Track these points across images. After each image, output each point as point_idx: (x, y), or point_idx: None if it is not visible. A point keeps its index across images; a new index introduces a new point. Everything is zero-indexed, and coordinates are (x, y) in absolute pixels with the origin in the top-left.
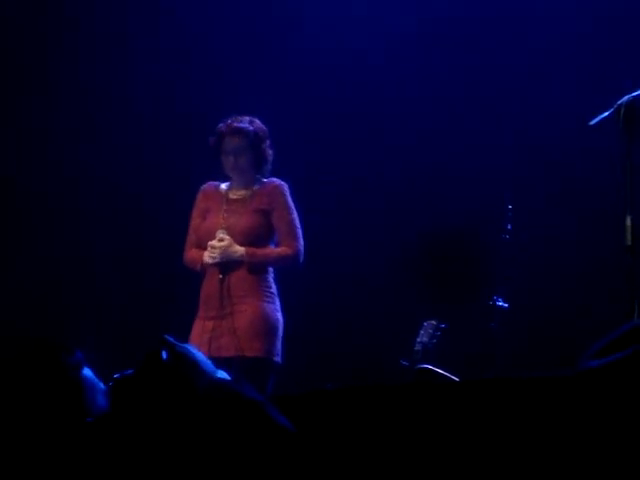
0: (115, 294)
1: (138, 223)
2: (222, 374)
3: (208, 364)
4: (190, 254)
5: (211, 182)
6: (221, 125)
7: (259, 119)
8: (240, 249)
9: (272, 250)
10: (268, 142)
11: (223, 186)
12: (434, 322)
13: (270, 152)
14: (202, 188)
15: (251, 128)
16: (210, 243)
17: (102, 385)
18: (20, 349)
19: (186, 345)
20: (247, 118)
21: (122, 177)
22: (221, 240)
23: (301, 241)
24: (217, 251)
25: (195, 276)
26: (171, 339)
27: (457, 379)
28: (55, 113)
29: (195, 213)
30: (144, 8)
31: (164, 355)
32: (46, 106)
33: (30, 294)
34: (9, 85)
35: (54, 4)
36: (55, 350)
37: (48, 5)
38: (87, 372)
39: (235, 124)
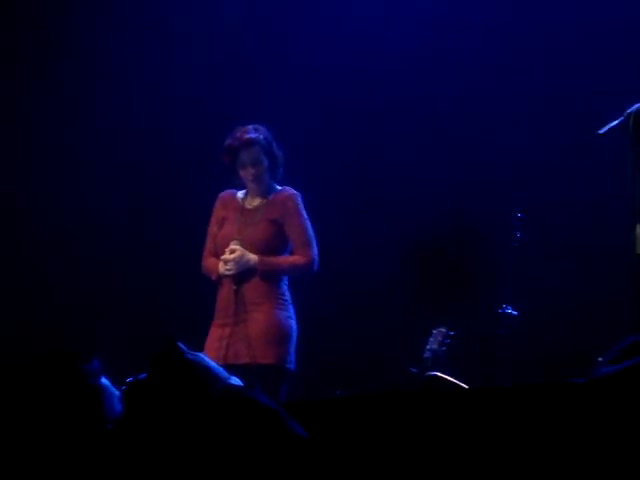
0: (127, 301)
1: (151, 231)
2: (235, 380)
3: (221, 370)
4: (207, 262)
5: (228, 190)
6: (230, 141)
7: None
8: (253, 257)
9: (286, 258)
10: (275, 144)
11: (239, 194)
12: (443, 330)
13: (281, 154)
14: (220, 196)
15: (261, 136)
16: (223, 257)
17: (117, 391)
18: (40, 359)
19: (198, 353)
20: (250, 127)
21: (134, 180)
22: (233, 251)
23: (315, 249)
24: (231, 263)
25: (209, 283)
26: (182, 346)
27: (466, 386)
28: (54, 110)
29: (213, 221)
30: (145, 10)
31: (174, 357)
32: (43, 101)
33: (41, 302)
34: (10, 83)
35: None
36: (75, 359)
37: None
38: (104, 380)
39: (246, 136)
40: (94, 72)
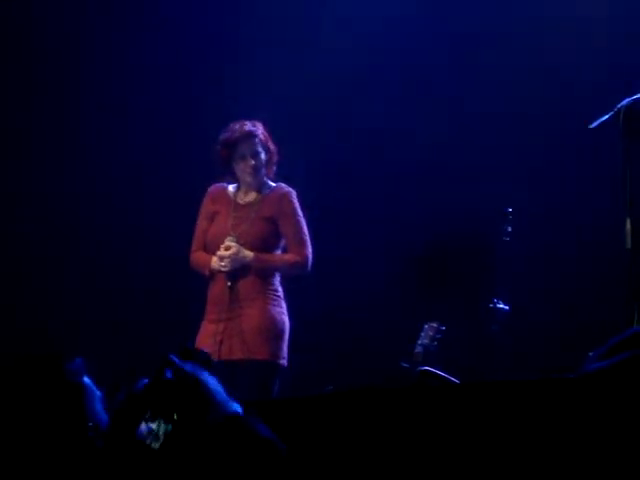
0: (116, 297)
1: (140, 226)
2: (236, 407)
3: (220, 392)
4: (197, 256)
5: (218, 184)
6: (229, 134)
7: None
8: (249, 254)
9: (281, 256)
10: (271, 140)
11: (230, 189)
12: (435, 324)
13: (276, 150)
14: (209, 190)
15: (259, 130)
16: (219, 253)
17: (98, 392)
18: (22, 358)
19: (194, 368)
20: (247, 122)
21: (125, 179)
22: (228, 248)
23: (310, 249)
24: (227, 260)
25: (199, 278)
26: (177, 360)
27: (457, 381)
28: (53, 115)
29: (202, 215)
30: (144, 11)
31: (168, 374)
32: (41, 100)
33: (32, 300)
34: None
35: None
36: (56, 357)
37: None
38: (86, 380)
39: (245, 128)
40: (93, 69)
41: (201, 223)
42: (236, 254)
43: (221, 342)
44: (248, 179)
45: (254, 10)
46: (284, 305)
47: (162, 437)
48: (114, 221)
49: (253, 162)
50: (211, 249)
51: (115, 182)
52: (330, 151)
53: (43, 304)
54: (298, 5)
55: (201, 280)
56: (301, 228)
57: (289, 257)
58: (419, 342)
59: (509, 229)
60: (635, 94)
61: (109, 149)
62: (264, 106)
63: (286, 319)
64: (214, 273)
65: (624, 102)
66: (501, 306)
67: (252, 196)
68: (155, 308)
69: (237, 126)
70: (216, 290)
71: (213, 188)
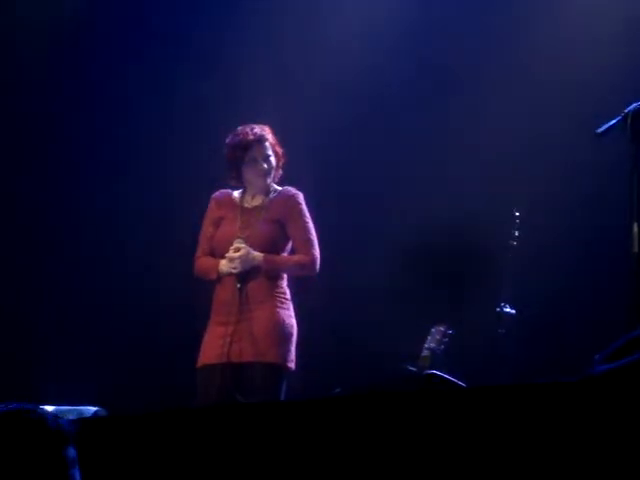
0: (115, 299)
1: (140, 229)
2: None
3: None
4: (203, 262)
5: (223, 190)
6: (240, 137)
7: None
8: (259, 255)
9: (290, 257)
10: (278, 142)
11: (236, 194)
12: (442, 328)
13: (282, 151)
14: (214, 196)
15: (269, 133)
16: (228, 255)
17: (77, 471)
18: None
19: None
20: (255, 125)
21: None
22: (237, 250)
23: (317, 250)
24: (237, 261)
25: (202, 285)
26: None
27: (464, 385)
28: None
29: (207, 222)
30: (145, 11)
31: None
32: (40, 101)
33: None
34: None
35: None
36: (60, 445)
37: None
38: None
39: (257, 132)
40: (93, 70)
41: (206, 229)
42: (246, 255)
43: (230, 344)
44: (259, 182)
45: (254, 10)
46: (292, 308)
47: None
48: (113, 221)
49: (265, 166)
50: (219, 253)
51: (115, 183)
52: (331, 153)
53: (44, 305)
54: (298, 5)
55: (204, 286)
56: (309, 229)
57: (298, 258)
58: (426, 346)
59: (516, 233)
60: None
61: (106, 152)
62: (266, 108)
63: (294, 322)
64: (221, 277)
65: (632, 107)
66: (508, 310)
67: (259, 200)
68: (157, 315)
69: (247, 129)
70: (224, 293)
71: (218, 194)
